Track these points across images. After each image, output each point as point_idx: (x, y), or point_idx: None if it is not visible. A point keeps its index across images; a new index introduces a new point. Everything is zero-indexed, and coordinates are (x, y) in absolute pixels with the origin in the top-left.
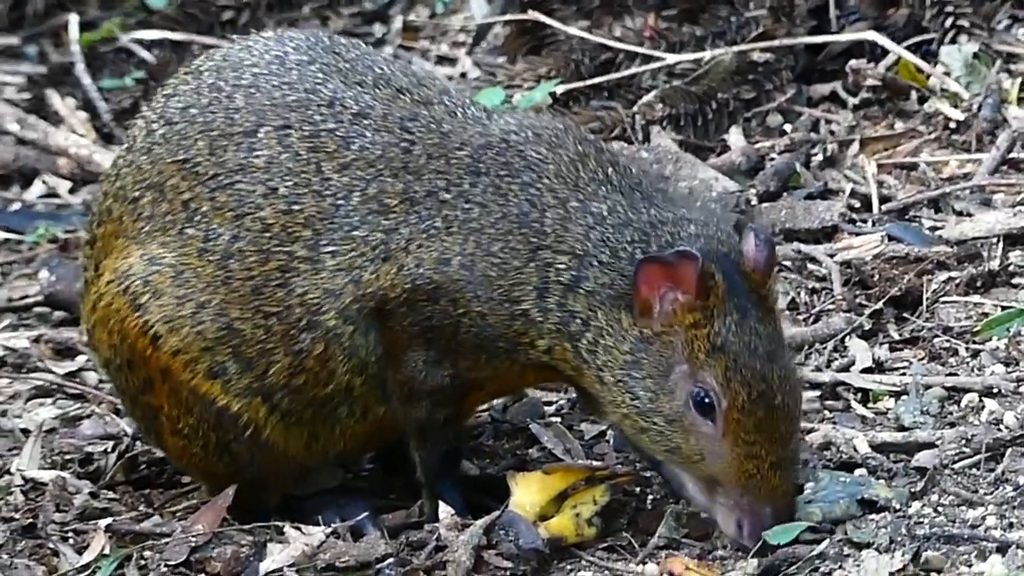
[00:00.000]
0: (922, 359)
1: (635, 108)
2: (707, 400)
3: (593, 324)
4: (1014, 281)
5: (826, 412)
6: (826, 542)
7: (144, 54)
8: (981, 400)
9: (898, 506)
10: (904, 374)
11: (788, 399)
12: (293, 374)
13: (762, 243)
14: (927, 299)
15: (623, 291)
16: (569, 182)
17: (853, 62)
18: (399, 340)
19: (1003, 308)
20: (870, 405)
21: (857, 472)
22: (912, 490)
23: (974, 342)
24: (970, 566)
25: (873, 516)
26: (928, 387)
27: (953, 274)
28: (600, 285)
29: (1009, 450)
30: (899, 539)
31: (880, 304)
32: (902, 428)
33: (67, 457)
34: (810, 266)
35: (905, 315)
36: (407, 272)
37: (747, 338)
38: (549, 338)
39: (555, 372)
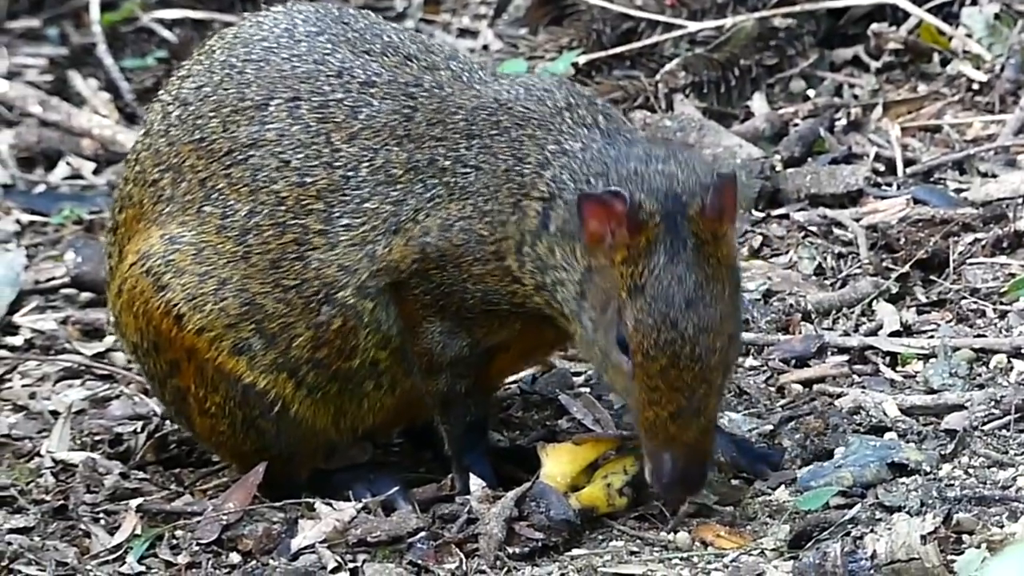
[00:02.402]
0: (950, 321)
1: (658, 77)
2: (625, 340)
3: (550, 263)
4: None
5: (855, 376)
6: (857, 506)
7: (165, 33)
8: (1010, 361)
9: (928, 469)
10: (932, 337)
11: (698, 350)
12: (316, 347)
13: (717, 188)
14: (954, 261)
15: (580, 225)
16: (553, 129)
17: (875, 26)
18: (414, 312)
19: None
20: (899, 368)
21: (887, 436)
22: (942, 452)
23: (1001, 303)
24: (1002, 527)
25: (904, 479)
26: (956, 349)
27: (979, 235)
28: (563, 223)
29: None
30: (930, 502)
31: (907, 267)
32: (931, 391)
33: (97, 438)
34: (836, 231)
35: (932, 278)
36: (415, 242)
37: (667, 282)
38: (536, 294)
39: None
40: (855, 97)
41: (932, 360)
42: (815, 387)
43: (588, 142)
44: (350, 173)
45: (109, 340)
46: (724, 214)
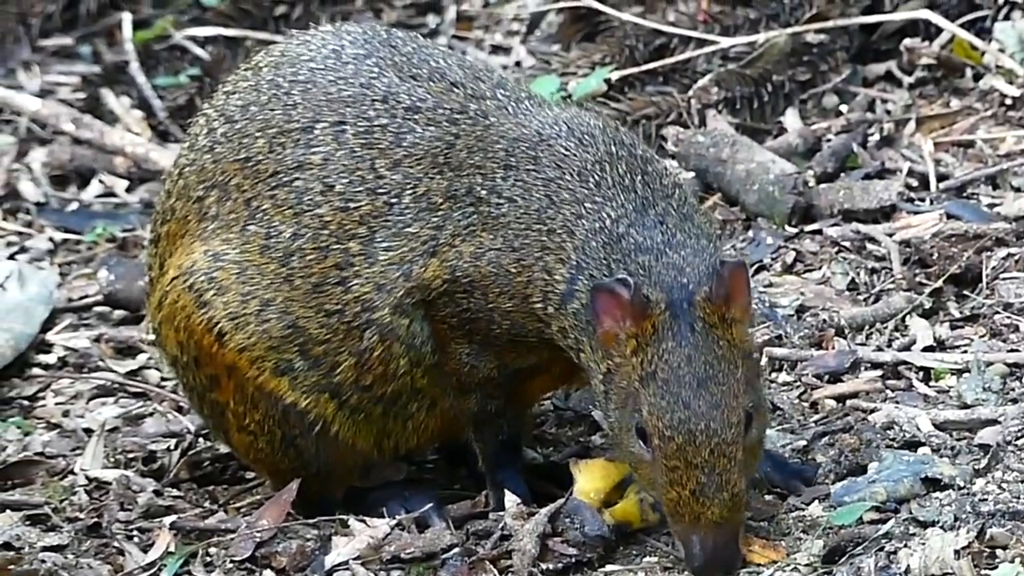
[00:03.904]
0: (983, 336)
1: (690, 92)
2: (642, 427)
3: (583, 350)
4: None
5: (888, 391)
6: (891, 521)
7: (198, 51)
8: None
9: (962, 484)
10: (965, 352)
11: (713, 425)
12: (360, 373)
13: (722, 275)
14: (987, 276)
15: (594, 320)
16: (590, 181)
17: (907, 41)
18: (444, 333)
19: None
20: (932, 383)
21: (921, 451)
22: (976, 467)
23: None
24: None
25: (937, 494)
26: (990, 364)
27: (1012, 250)
28: (582, 306)
29: None
30: (964, 516)
31: (940, 282)
32: (964, 406)
33: (130, 456)
34: (869, 246)
35: (965, 293)
36: (448, 264)
37: (676, 364)
38: (562, 343)
39: None
40: (888, 112)
41: (965, 375)
42: (848, 402)
43: (620, 214)
44: (393, 200)
45: (142, 358)
46: (731, 299)
